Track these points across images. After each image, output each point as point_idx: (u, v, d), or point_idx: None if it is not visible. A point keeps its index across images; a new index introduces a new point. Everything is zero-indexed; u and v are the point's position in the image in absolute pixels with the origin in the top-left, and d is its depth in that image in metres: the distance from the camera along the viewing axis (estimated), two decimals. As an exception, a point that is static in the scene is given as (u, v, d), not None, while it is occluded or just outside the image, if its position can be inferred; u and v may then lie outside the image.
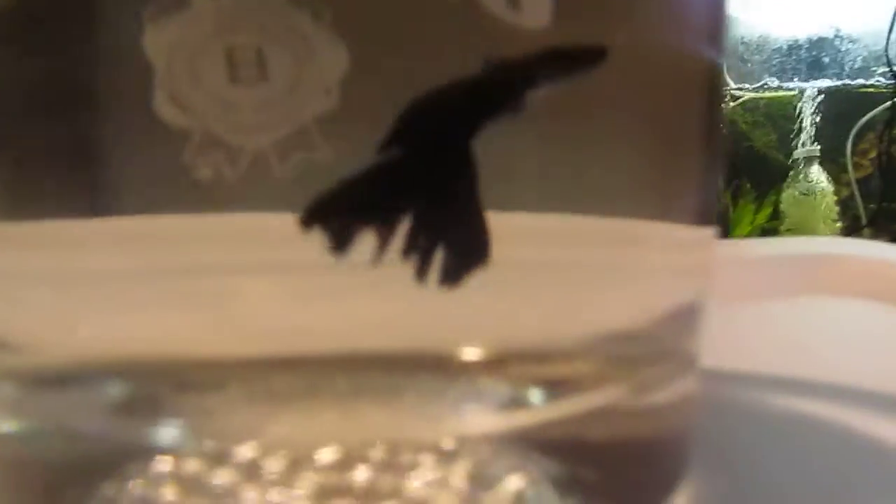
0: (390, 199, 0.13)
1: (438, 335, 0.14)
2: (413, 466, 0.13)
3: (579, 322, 0.14)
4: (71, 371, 0.14)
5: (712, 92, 0.17)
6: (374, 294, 0.13)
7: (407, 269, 0.13)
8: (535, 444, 0.14)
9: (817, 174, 1.30)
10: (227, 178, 0.12)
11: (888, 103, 1.22)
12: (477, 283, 0.13)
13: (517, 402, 0.14)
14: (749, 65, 1.30)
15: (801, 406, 0.21)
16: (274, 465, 0.13)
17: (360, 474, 0.13)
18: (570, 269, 0.14)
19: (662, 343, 0.16)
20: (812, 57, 1.31)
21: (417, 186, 0.13)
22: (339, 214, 0.13)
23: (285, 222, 0.13)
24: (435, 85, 0.12)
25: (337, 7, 0.12)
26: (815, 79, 1.31)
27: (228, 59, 0.12)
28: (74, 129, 0.13)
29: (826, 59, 1.31)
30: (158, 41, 0.12)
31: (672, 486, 0.16)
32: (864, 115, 1.27)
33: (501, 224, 0.13)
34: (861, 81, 1.29)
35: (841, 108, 1.30)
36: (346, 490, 0.13)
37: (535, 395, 0.14)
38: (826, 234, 1.27)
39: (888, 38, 1.20)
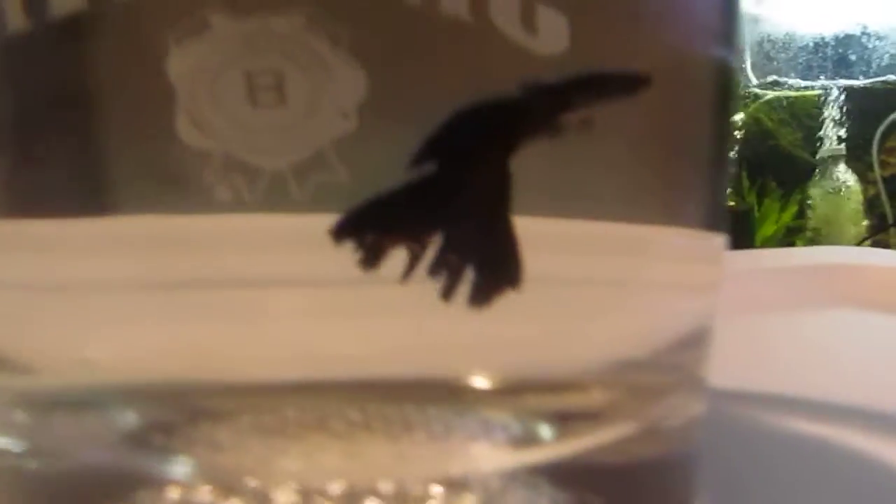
0: (424, 216, 0.13)
1: (448, 362, 0.14)
2: (423, 499, 0.13)
3: (590, 346, 0.15)
4: (83, 395, 0.14)
5: (724, 93, 0.16)
6: (388, 317, 0.13)
7: (422, 292, 0.13)
8: (545, 474, 0.14)
9: (844, 172, 1.29)
10: (246, 199, 0.13)
11: (916, 101, 1.21)
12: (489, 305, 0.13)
13: (527, 438, 0.14)
14: (775, 63, 1.29)
15: (817, 427, 0.21)
16: (284, 497, 0.13)
17: None
18: (580, 286, 0.14)
19: (674, 369, 0.16)
20: (838, 54, 1.30)
21: (452, 204, 0.13)
22: (371, 229, 0.13)
23: (307, 235, 0.13)
24: (455, 108, 0.13)
25: (354, 32, 0.12)
26: (842, 76, 1.30)
27: (248, 83, 0.12)
28: (83, 128, 0.13)
29: (853, 57, 1.30)
30: (181, 64, 0.12)
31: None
32: (890, 113, 1.26)
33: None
34: (888, 79, 1.28)
35: (867, 106, 1.29)
36: None
37: (546, 431, 0.14)
38: (852, 233, 1.26)
39: (916, 36, 1.19)
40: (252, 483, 0.13)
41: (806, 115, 1.31)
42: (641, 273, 0.15)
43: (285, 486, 0.13)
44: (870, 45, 1.29)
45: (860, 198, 1.29)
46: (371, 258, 0.13)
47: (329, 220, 0.13)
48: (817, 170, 1.30)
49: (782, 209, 1.27)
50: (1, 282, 0.15)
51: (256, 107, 0.12)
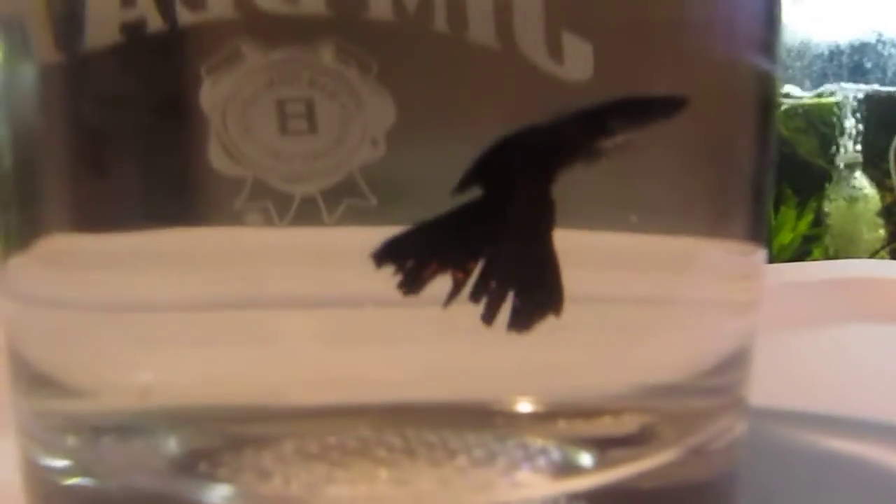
0: (467, 242, 0.13)
1: (486, 387, 0.14)
2: None
3: (632, 370, 0.14)
4: (130, 420, 0.14)
5: (767, 104, 0.16)
6: (425, 341, 0.13)
7: (459, 316, 0.13)
8: (586, 500, 0.14)
9: (860, 180, 1.29)
10: (276, 224, 0.13)
11: (932, 108, 1.21)
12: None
13: (568, 466, 0.14)
14: (790, 71, 1.29)
15: (848, 444, 0.21)
16: None
17: None
18: (624, 306, 0.14)
19: (717, 392, 0.16)
20: (854, 62, 1.29)
21: (495, 229, 0.13)
22: (412, 255, 0.13)
23: (345, 259, 0.13)
24: (482, 134, 0.13)
25: (383, 60, 0.12)
26: (857, 84, 1.30)
27: (279, 112, 0.13)
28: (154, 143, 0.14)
29: (868, 64, 1.29)
30: (213, 94, 0.13)
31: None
32: (907, 121, 1.25)
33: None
34: (904, 86, 1.28)
35: (883, 113, 1.28)
36: None
37: (586, 458, 0.14)
38: (869, 240, 1.26)
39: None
40: None
41: (822, 122, 1.30)
42: (687, 290, 0.15)
43: None
44: (885, 53, 1.28)
45: (877, 205, 1.28)
46: (411, 284, 0.13)
47: (367, 244, 0.13)
48: (834, 177, 1.30)
49: (799, 217, 1.26)
50: (50, 302, 0.15)
51: (287, 134, 0.13)
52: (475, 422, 0.14)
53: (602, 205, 0.14)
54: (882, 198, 1.28)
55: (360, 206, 0.13)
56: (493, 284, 0.13)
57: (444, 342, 0.13)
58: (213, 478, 0.14)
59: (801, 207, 1.27)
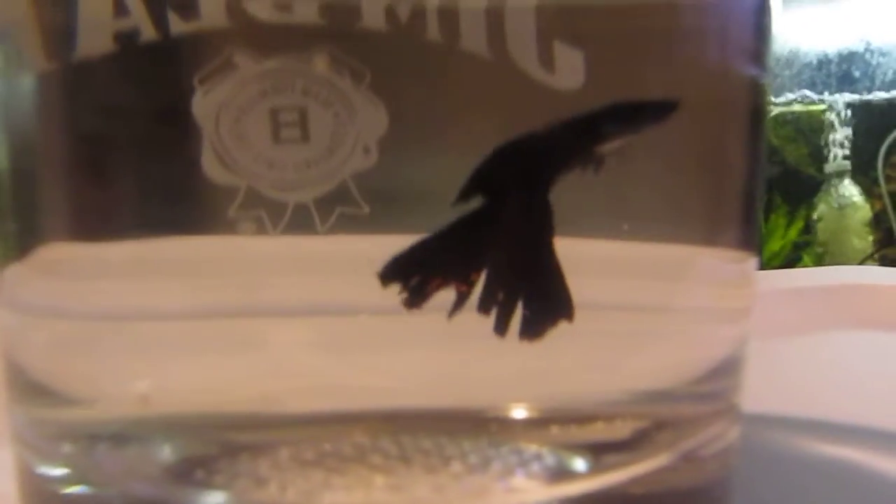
0: (468, 254, 0.13)
1: (480, 393, 0.14)
2: None
3: (627, 376, 0.15)
4: (126, 428, 0.14)
5: (757, 112, 0.17)
6: (420, 348, 0.14)
7: (455, 324, 0.13)
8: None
9: (849, 188, 1.29)
10: (270, 233, 0.13)
11: (920, 116, 1.21)
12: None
13: (562, 472, 0.14)
14: (779, 79, 1.29)
15: (839, 450, 0.21)
16: None
17: None
18: (621, 313, 0.14)
19: (710, 398, 0.16)
20: (842, 71, 1.30)
21: (497, 240, 0.13)
22: (416, 271, 0.13)
23: (339, 267, 0.13)
24: (474, 142, 0.13)
25: (376, 70, 0.12)
26: (846, 92, 1.30)
27: (272, 120, 0.13)
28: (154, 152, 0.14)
29: (856, 73, 1.30)
30: (206, 103, 0.13)
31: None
32: (895, 129, 1.26)
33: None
34: (892, 94, 1.28)
35: (872, 122, 1.29)
36: None
37: (580, 464, 0.14)
38: (859, 248, 1.26)
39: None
40: None
41: (811, 130, 1.31)
42: (680, 298, 0.15)
43: None
44: (873, 62, 1.29)
45: (867, 213, 1.29)
46: (415, 298, 0.13)
47: (360, 252, 0.13)
48: (823, 185, 1.30)
49: (789, 225, 1.27)
50: (46, 310, 0.15)
51: (280, 143, 0.13)
52: (470, 428, 0.14)
53: (594, 213, 0.14)
54: (871, 205, 1.28)
55: (352, 214, 0.13)
56: (502, 295, 0.13)
57: (439, 350, 0.14)
58: (209, 485, 0.14)
59: (792, 215, 1.27)
